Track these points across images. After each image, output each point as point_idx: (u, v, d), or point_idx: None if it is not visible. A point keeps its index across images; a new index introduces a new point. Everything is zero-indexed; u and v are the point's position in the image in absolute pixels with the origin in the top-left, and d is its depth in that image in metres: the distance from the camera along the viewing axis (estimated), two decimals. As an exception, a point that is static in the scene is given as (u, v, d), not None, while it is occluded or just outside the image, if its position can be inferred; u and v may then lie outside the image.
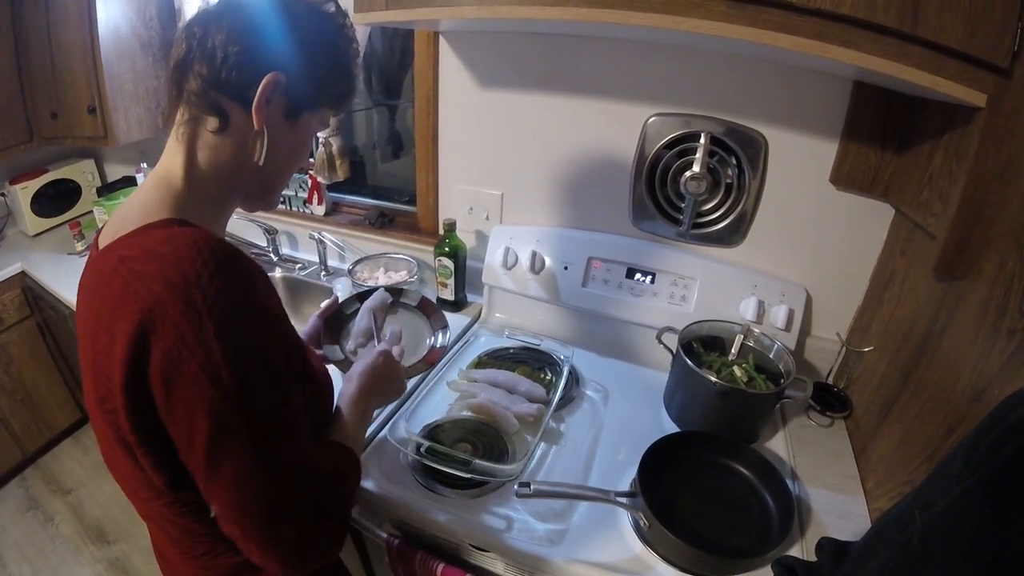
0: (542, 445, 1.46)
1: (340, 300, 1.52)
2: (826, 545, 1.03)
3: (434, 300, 2.04)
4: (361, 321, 1.48)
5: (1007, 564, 0.61)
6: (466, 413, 1.47)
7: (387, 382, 1.22)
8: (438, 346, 1.53)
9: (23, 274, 2.62)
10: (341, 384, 1.17)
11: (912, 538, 0.71)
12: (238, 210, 1.01)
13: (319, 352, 1.40)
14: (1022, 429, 0.64)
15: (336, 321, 1.48)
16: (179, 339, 0.71)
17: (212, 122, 0.87)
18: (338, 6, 0.96)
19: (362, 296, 1.55)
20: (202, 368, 0.72)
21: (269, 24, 0.86)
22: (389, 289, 1.59)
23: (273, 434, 0.79)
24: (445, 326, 1.57)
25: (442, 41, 1.86)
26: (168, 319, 0.71)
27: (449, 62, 1.88)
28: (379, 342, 1.40)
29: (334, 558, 0.93)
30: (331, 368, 1.27)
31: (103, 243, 0.86)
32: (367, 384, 1.16)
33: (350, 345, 1.45)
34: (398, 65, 2.38)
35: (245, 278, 0.79)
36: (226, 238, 0.99)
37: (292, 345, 0.93)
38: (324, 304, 1.48)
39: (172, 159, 0.89)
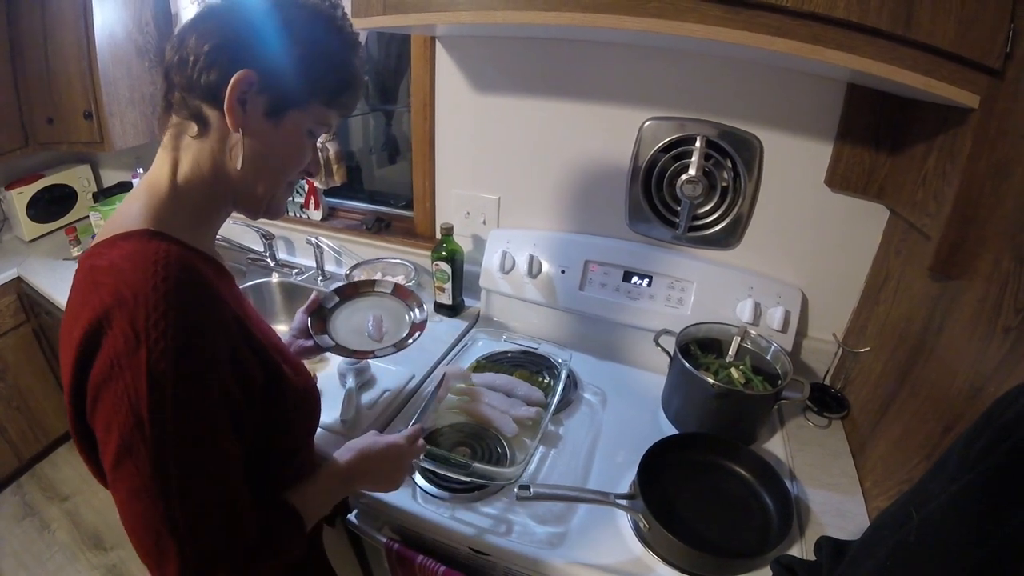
0: (541, 448, 1.46)
1: (321, 296, 1.56)
2: (824, 544, 1.03)
3: (431, 304, 2.06)
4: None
5: (1003, 561, 0.62)
6: (464, 418, 1.48)
7: (387, 473, 1.18)
8: (418, 320, 1.58)
9: (19, 280, 2.61)
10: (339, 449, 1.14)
11: (909, 536, 0.72)
12: (237, 216, 1.00)
13: (309, 344, 1.42)
14: (1017, 427, 0.64)
15: (320, 313, 1.53)
16: (115, 355, 0.71)
17: (192, 128, 0.86)
18: None
19: (340, 290, 1.62)
20: (126, 390, 0.71)
21: (241, 21, 0.84)
22: (364, 281, 1.68)
23: (178, 472, 0.74)
24: (421, 304, 1.62)
25: (438, 46, 1.86)
26: (112, 334, 0.72)
27: (445, 67, 1.88)
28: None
29: None
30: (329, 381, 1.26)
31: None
32: (361, 468, 1.12)
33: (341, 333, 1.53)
34: (394, 70, 2.38)
35: (195, 304, 0.77)
36: (217, 244, 0.98)
37: (263, 357, 0.91)
38: (309, 300, 1.50)
39: (159, 166, 0.89)
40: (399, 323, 1.59)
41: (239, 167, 0.88)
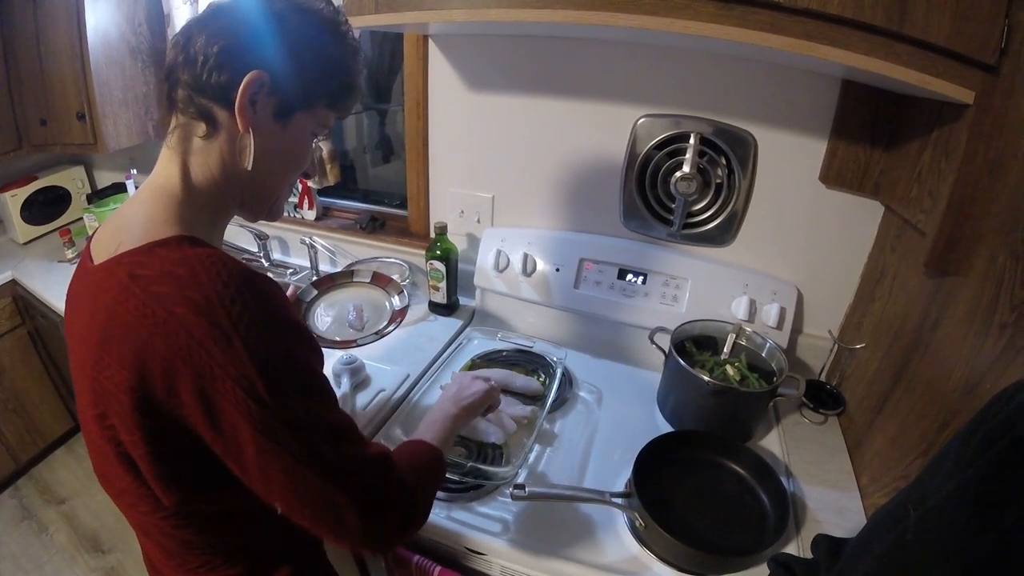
0: (536, 447, 1.46)
1: (298, 291, 1.60)
2: (822, 542, 1.03)
3: (426, 303, 2.05)
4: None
5: (1000, 557, 0.62)
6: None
7: (472, 395, 1.28)
8: (398, 308, 1.62)
9: (13, 282, 2.60)
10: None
11: (906, 533, 0.72)
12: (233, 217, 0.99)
13: None
14: (1014, 424, 0.64)
15: (298, 308, 1.57)
16: (209, 359, 0.72)
17: (200, 128, 0.86)
18: (328, 1, 0.93)
19: (317, 283, 1.67)
20: (237, 383, 0.73)
21: (251, 23, 0.84)
22: (341, 273, 1.74)
23: (317, 431, 0.80)
24: (401, 291, 1.66)
25: (431, 44, 1.86)
26: (195, 340, 0.71)
27: (438, 65, 1.88)
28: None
29: (410, 539, 0.94)
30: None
31: (101, 254, 0.83)
32: (454, 401, 1.24)
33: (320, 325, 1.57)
34: (388, 69, 2.38)
35: (265, 295, 0.79)
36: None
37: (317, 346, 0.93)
38: (287, 293, 1.53)
39: (168, 168, 0.88)
40: (379, 312, 1.62)
41: (249, 167, 0.88)
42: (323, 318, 1.55)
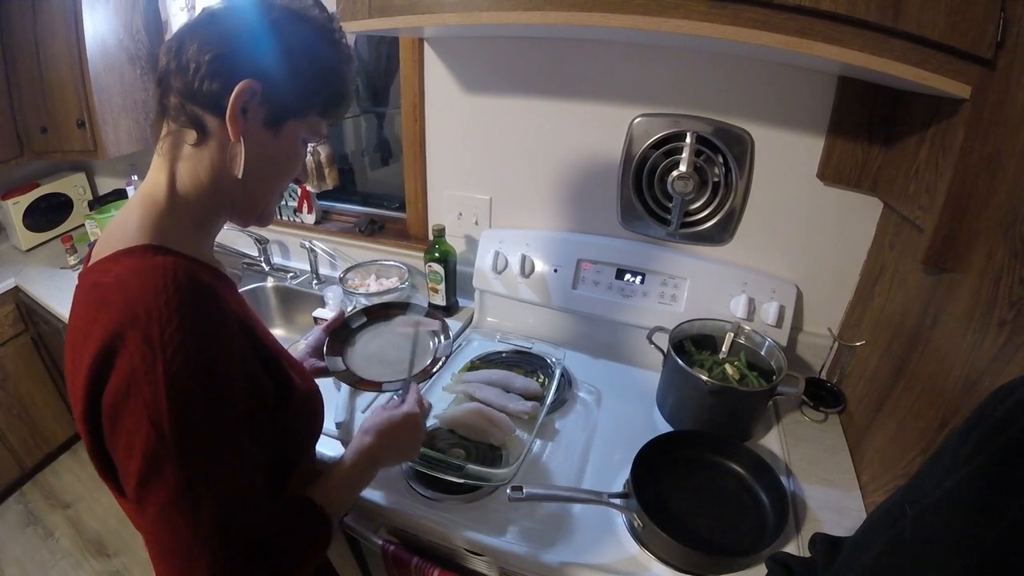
0: (535, 448, 1.46)
1: (346, 314, 1.50)
2: (819, 541, 1.02)
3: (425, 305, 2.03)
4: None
5: (999, 556, 0.61)
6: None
7: (408, 442, 1.19)
8: (439, 356, 1.47)
9: (16, 289, 2.62)
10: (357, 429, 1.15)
11: (904, 531, 0.71)
12: (228, 223, 0.99)
13: (321, 364, 1.38)
14: (1011, 422, 0.64)
15: (341, 333, 1.47)
16: (131, 372, 0.70)
17: (191, 135, 0.85)
18: (322, 9, 0.92)
19: (369, 311, 1.55)
20: (146, 406, 0.70)
21: (244, 31, 0.84)
22: (396, 303, 1.59)
23: (207, 487, 0.74)
24: (447, 330, 1.53)
25: (427, 47, 1.86)
26: (126, 351, 0.71)
27: (434, 68, 1.88)
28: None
29: None
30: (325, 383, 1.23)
31: (92, 261, 0.84)
32: (383, 446, 1.13)
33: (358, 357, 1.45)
34: (384, 72, 2.38)
35: (207, 317, 0.77)
36: (215, 251, 0.98)
37: (272, 365, 0.91)
38: (331, 317, 1.46)
39: (156, 176, 0.88)
40: (424, 350, 1.49)
41: (240, 176, 0.87)
42: (362, 351, 1.45)
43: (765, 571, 1.08)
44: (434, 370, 1.43)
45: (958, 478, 0.67)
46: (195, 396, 0.73)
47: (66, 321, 0.96)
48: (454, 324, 2.02)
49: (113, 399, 0.72)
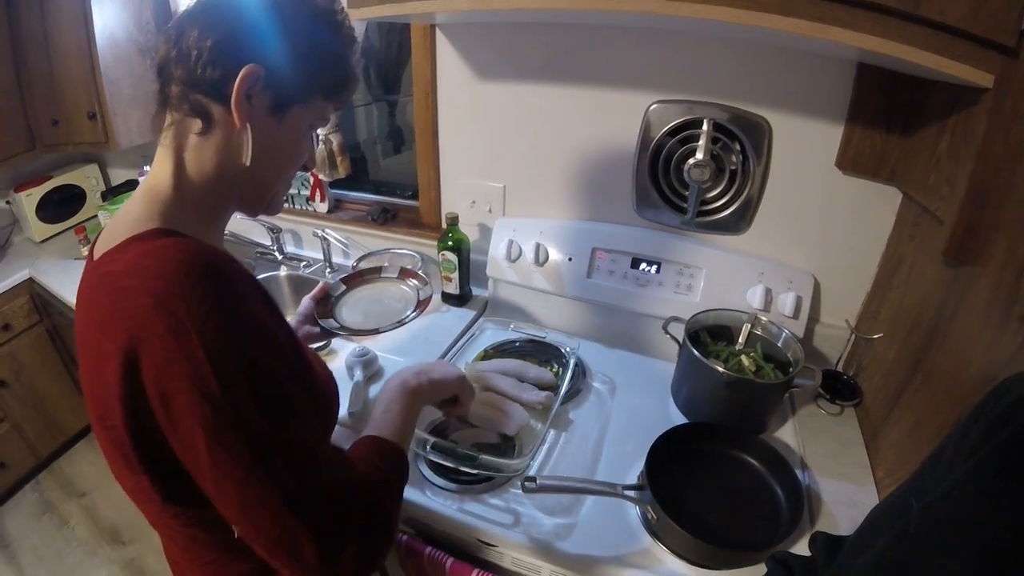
0: (549, 439, 1.45)
1: (328, 287, 1.62)
2: (819, 539, 1.01)
3: (439, 294, 2.05)
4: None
5: (1005, 551, 0.61)
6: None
7: (440, 372, 1.22)
8: (422, 298, 1.62)
9: (31, 280, 2.63)
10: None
11: (908, 526, 0.71)
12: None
13: (315, 330, 1.47)
14: (1013, 415, 0.64)
15: (326, 302, 1.58)
16: (166, 354, 0.69)
17: (196, 124, 0.84)
18: None
19: (345, 280, 1.68)
20: (191, 382, 0.69)
21: (245, 15, 0.82)
22: (368, 270, 1.75)
23: (275, 446, 0.74)
24: (427, 283, 1.68)
25: (439, 34, 1.84)
26: (155, 333, 0.69)
27: (447, 55, 1.86)
28: None
29: (379, 564, 0.87)
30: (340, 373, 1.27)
31: (97, 254, 0.84)
32: (415, 373, 1.16)
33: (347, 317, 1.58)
34: (396, 59, 2.36)
35: (230, 287, 0.76)
36: (225, 239, 0.98)
37: (291, 349, 0.89)
38: (316, 288, 1.56)
39: (160, 166, 0.87)
40: (406, 303, 1.64)
41: (247, 163, 0.86)
42: (349, 312, 1.58)
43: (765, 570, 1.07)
44: (410, 315, 1.58)
45: (962, 473, 0.67)
46: (236, 358, 0.73)
47: (81, 312, 0.96)
48: (467, 313, 2.02)
49: (157, 386, 0.71)
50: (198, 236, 0.84)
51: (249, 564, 0.94)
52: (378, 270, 1.73)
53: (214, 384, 0.70)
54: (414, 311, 1.57)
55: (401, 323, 1.51)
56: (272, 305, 0.89)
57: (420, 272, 1.72)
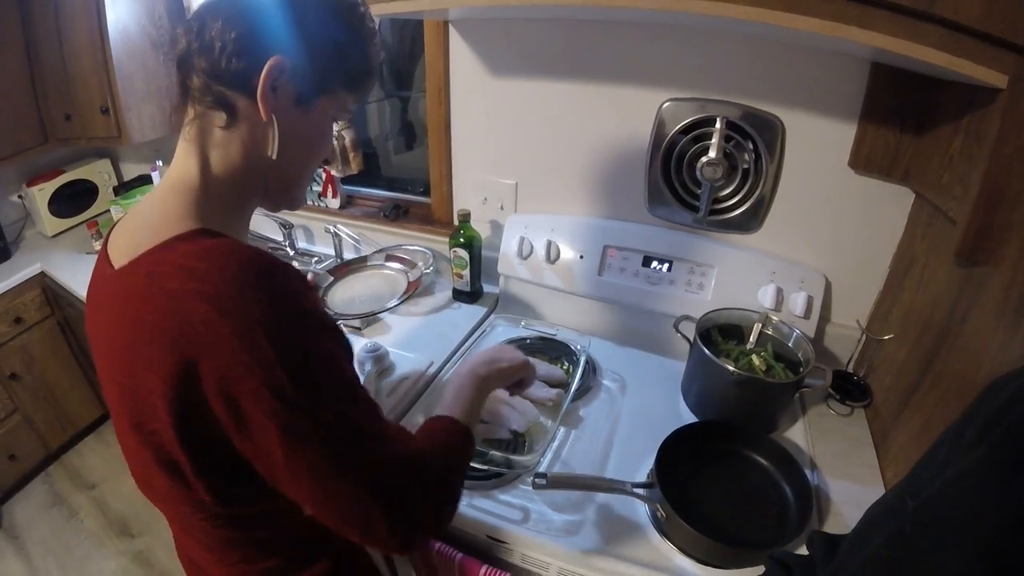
0: (559, 436, 1.46)
1: (316, 278, 1.68)
2: (816, 539, 1.01)
3: (450, 291, 2.06)
4: None
5: (1000, 549, 0.61)
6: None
7: (508, 360, 1.22)
8: (412, 280, 1.69)
9: (43, 274, 2.66)
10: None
11: (904, 524, 0.71)
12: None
13: None
14: (1008, 411, 0.63)
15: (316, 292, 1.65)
16: (232, 356, 0.69)
17: (220, 118, 0.84)
18: None
19: (333, 271, 1.76)
20: (262, 383, 0.70)
21: (267, 8, 0.82)
22: (354, 260, 1.83)
23: (346, 431, 0.77)
24: (415, 265, 1.73)
25: (452, 30, 1.84)
26: (218, 338, 0.69)
27: (459, 51, 1.86)
28: None
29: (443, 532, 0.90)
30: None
31: (120, 257, 0.82)
32: (484, 362, 1.17)
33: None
34: (409, 55, 2.37)
35: (285, 283, 0.76)
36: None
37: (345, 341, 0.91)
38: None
39: (185, 161, 0.86)
40: (395, 286, 1.69)
41: (273, 156, 0.86)
42: (340, 300, 1.62)
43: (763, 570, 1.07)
44: (393, 303, 1.64)
45: (956, 471, 0.66)
46: (305, 358, 0.74)
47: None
48: (479, 310, 2.02)
49: (223, 390, 0.71)
50: (231, 234, 0.84)
51: (276, 561, 0.95)
52: (363, 259, 1.79)
53: (284, 380, 0.71)
54: (404, 293, 1.61)
55: (392, 308, 1.54)
56: (319, 299, 0.90)
57: (419, 264, 1.75)
